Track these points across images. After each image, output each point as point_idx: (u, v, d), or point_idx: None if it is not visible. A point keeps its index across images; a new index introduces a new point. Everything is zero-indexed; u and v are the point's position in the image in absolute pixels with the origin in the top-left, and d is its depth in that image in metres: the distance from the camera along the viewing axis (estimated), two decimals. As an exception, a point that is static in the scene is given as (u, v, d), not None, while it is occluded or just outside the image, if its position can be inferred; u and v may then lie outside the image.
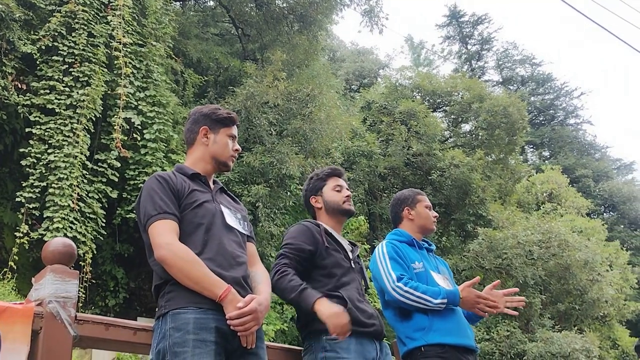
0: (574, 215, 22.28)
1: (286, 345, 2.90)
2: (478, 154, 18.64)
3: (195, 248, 2.22)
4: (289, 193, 13.45)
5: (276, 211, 12.95)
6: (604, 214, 32.12)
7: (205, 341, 2.06)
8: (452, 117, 21.71)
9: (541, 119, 38.07)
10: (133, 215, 10.11)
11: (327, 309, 2.47)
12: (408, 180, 18.60)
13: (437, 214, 3.43)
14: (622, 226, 31.23)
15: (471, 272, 16.06)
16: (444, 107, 21.92)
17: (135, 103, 11.02)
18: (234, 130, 2.61)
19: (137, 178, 10.52)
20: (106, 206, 10.28)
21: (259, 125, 13.49)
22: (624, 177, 37.46)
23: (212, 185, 2.54)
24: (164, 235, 2.19)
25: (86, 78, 10.24)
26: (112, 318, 2.23)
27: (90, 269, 9.55)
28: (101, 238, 10.05)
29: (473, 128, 21.29)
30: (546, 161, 33.62)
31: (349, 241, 3.01)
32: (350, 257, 2.89)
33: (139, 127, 10.92)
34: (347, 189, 3.03)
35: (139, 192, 2.42)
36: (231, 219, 2.44)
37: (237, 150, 2.59)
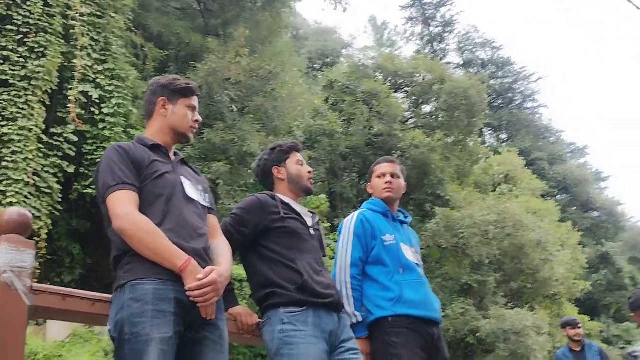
0: (529, 196, 22.82)
1: (245, 318, 2.90)
2: (438, 135, 18.88)
3: (155, 219, 2.19)
4: (249, 171, 13.40)
5: (237, 188, 12.90)
6: (557, 196, 33.00)
7: (164, 312, 2.06)
8: (414, 98, 21.86)
9: (500, 102, 38.71)
10: (90, 191, 9.94)
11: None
12: (369, 160, 18.70)
13: (389, 180, 3.35)
14: (574, 208, 32.20)
15: (429, 250, 16.36)
16: (406, 88, 22.05)
17: (93, 76, 10.77)
18: (194, 101, 2.55)
19: (95, 153, 10.32)
20: (62, 181, 10.07)
21: (220, 102, 13.36)
22: (577, 161, 38.57)
23: (172, 157, 2.51)
24: (122, 206, 2.16)
25: (42, 49, 9.95)
26: (69, 289, 2.20)
27: (46, 244, 9.38)
28: (57, 213, 9.85)
29: (434, 109, 21.50)
30: (503, 144, 34.31)
31: (308, 210, 3.02)
32: (309, 224, 2.90)
33: (97, 100, 10.70)
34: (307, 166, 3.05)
35: (97, 167, 2.38)
36: (192, 191, 2.42)
37: (197, 121, 2.54)
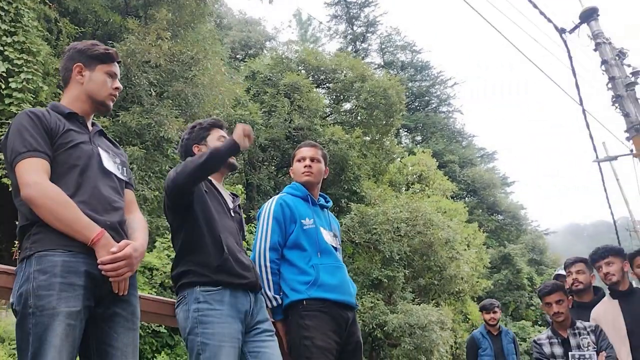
0: (440, 197, 23.65)
1: (160, 297, 2.85)
2: (356, 133, 19.17)
3: (68, 190, 2.10)
4: (165, 157, 13.09)
5: (151, 174, 12.55)
6: (466, 197, 34.39)
7: (73, 285, 1.98)
8: (335, 94, 22.12)
9: (417, 104, 39.88)
10: (-6, 169, 9.36)
11: (235, 134, 2.60)
12: (288, 154, 18.74)
13: (309, 164, 3.37)
14: (481, 210, 33.64)
15: (342, 245, 16.53)
16: (328, 84, 22.26)
17: (1, 48, 10.14)
18: (114, 68, 2.45)
19: (0, 129, 9.74)
20: (-39, 157, 9.42)
21: (138, 85, 12.94)
22: (486, 165, 40.37)
23: (90, 127, 2.41)
24: (32, 174, 2.05)
25: (-56, 15, 9.27)
26: (-30, 259, 2.07)
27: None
28: (-45, 191, 9.22)
29: (354, 107, 21.84)
30: (418, 145, 35.31)
31: (230, 192, 3.00)
32: (230, 206, 2.88)
33: (4, 74, 10.11)
34: None
35: (6, 132, 2.24)
36: (109, 163, 2.33)
37: (117, 88, 2.44)
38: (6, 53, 10.17)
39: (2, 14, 10.36)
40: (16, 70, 10.23)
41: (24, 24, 10.69)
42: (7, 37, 10.33)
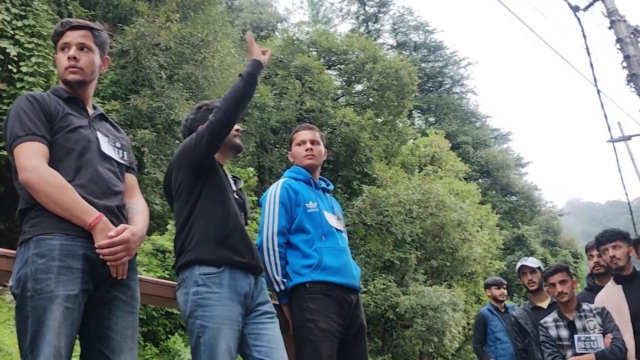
0: (452, 178, 23.51)
1: (160, 280, 2.85)
2: (368, 114, 19.07)
3: (67, 174, 2.10)
4: (177, 140, 13.11)
5: (162, 157, 12.59)
6: (479, 179, 34.15)
7: (71, 268, 1.98)
8: (346, 75, 21.98)
9: (429, 85, 39.50)
10: (4, 153, 9.43)
11: (253, 54, 2.70)
12: (299, 136, 18.71)
13: (310, 147, 3.35)
14: (494, 192, 33.41)
15: (354, 227, 16.60)
16: (339, 66, 22.12)
17: (12, 32, 10.18)
18: (66, 38, 2.32)
19: (11, 113, 9.78)
20: (-26, 141, 9.50)
21: (148, 68, 12.94)
22: (500, 146, 39.99)
23: (91, 111, 2.40)
24: (30, 158, 2.05)
25: (-46, -2, 9.30)
26: (-31, 243, 2.08)
27: (-46, 207, 8.86)
28: (-33, 175, 9.31)
29: (365, 88, 21.70)
30: (431, 126, 35.03)
31: (232, 175, 2.98)
32: (233, 189, 2.87)
33: (15, 58, 10.12)
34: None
35: (6, 115, 2.24)
36: (108, 147, 2.32)
37: (71, 57, 2.29)
38: (17, 37, 10.19)
39: (13, -3, 10.37)
40: (27, 54, 10.25)
41: (34, 7, 10.69)
42: (17, 20, 10.34)
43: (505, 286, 6.66)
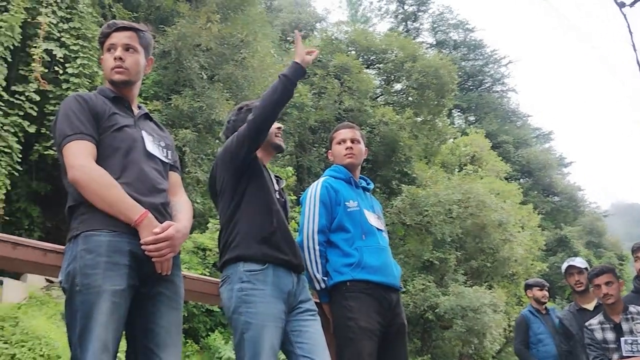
0: (493, 178, 23.15)
1: (204, 277, 2.89)
2: (407, 113, 18.95)
3: (114, 173, 2.14)
4: (217, 140, 13.26)
5: (203, 157, 12.77)
6: (521, 179, 33.53)
7: (118, 264, 2.02)
8: (385, 75, 21.89)
9: (469, 84, 39.00)
10: (52, 152, 9.70)
11: (296, 56, 2.68)
12: (338, 135, 18.69)
13: (350, 146, 3.31)
14: (536, 192, 32.77)
15: (393, 227, 16.52)
16: (378, 65, 22.03)
17: (58, 34, 10.46)
18: (112, 39, 2.34)
19: (58, 113, 10.06)
20: (23, 141, 9.80)
21: (189, 68, 13.14)
22: (542, 146, 39.19)
23: (136, 110, 2.44)
24: (78, 157, 2.10)
25: (4, 3, 9.63)
26: (21, 238, 2.14)
27: (3, 205, 9.16)
28: (16, 174, 9.60)
29: (404, 87, 21.57)
30: (471, 125, 34.58)
31: (274, 175, 3.00)
32: (276, 188, 2.88)
33: (61, 60, 10.41)
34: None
35: (55, 115, 2.29)
36: (152, 146, 2.35)
37: (117, 58, 2.31)
38: (63, 39, 10.47)
39: (59, 1, 10.66)
40: (73, 55, 10.52)
41: (79, 10, 10.97)
42: (63, 23, 10.63)
43: (547, 288, 6.51)
